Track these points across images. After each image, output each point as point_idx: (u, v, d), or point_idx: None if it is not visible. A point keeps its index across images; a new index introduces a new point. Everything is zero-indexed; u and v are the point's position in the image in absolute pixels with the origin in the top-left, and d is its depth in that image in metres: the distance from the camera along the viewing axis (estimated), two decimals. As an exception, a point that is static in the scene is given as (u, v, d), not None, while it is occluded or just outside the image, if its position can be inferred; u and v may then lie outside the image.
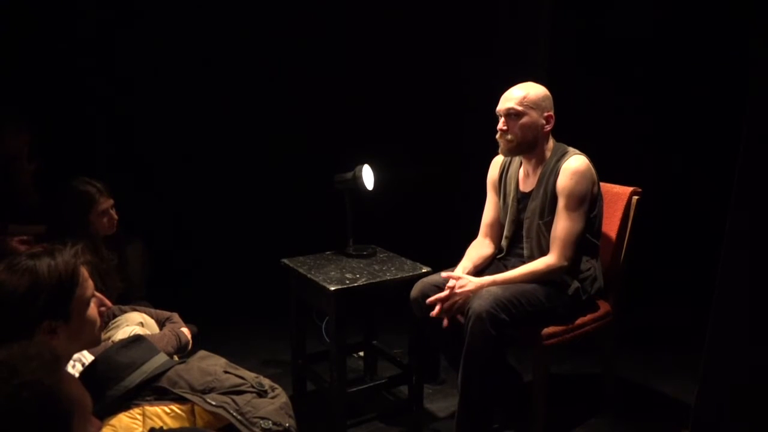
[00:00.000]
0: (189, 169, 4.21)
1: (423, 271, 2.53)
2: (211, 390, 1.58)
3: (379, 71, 4.13)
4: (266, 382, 1.67)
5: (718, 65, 3.60)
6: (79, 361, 1.63)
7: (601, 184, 2.41)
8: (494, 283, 2.27)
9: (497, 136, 2.37)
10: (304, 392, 2.79)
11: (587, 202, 2.29)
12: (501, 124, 2.35)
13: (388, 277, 2.47)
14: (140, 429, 1.46)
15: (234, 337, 3.36)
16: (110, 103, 3.97)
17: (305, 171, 4.24)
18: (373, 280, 2.43)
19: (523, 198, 2.44)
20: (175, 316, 2.28)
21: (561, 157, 2.34)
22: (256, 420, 1.52)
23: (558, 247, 2.28)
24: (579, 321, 2.38)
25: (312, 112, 4.30)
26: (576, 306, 2.36)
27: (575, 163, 2.28)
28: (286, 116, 4.33)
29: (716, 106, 3.59)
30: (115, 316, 2.18)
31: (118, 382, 1.52)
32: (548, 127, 2.36)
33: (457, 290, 2.25)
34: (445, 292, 2.26)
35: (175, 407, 1.52)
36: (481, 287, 2.24)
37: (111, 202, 2.60)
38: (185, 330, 2.20)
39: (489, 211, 2.58)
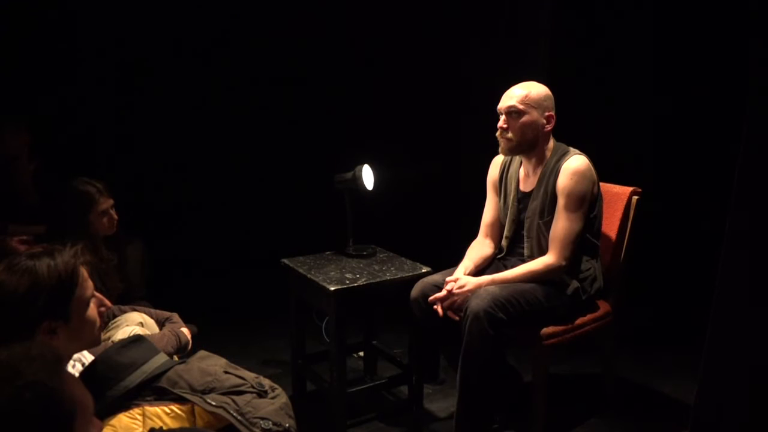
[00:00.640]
0: (189, 169, 4.21)
1: (423, 271, 2.53)
2: (211, 390, 1.57)
3: (379, 71, 4.13)
4: (266, 383, 1.67)
5: (718, 65, 3.60)
6: (79, 361, 1.62)
7: (601, 184, 2.41)
8: (493, 283, 2.27)
9: (497, 134, 2.37)
10: (304, 392, 2.79)
11: (587, 202, 2.28)
12: (501, 122, 2.35)
13: (388, 277, 2.47)
14: (140, 429, 1.45)
15: (234, 337, 3.35)
16: (110, 104, 3.97)
17: (305, 171, 4.24)
18: (373, 280, 2.43)
19: (523, 198, 2.44)
20: (175, 316, 2.28)
21: (561, 156, 2.34)
22: (256, 420, 1.52)
23: (557, 247, 2.28)
24: (579, 321, 2.37)
25: (312, 112, 4.30)
26: (575, 306, 2.36)
27: (575, 163, 2.28)
28: (286, 116, 4.33)
29: (716, 106, 3.59)
30: (115, 316, 2.18)
31: (117, 382, 1.52)
32: (549, 127, 2.35)
33: (456, 290, 2.25)
34: (443, 293, 2.26)
35: (175, 407, 1.52)
36: (479, 287, 2.24)
37: (111, 202, 2.60)
38: (185, 330, 2.20)
39: (489, 211, 2.57)
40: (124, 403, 1.50)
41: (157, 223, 3.79)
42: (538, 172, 2.39)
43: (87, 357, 1.66)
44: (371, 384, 2.72)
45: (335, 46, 4.24)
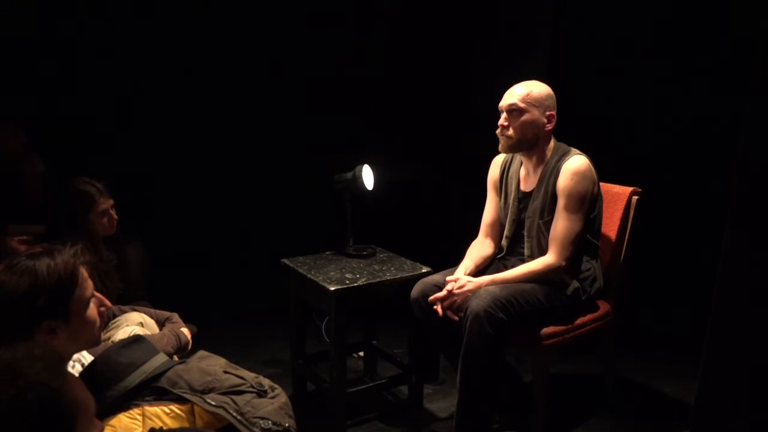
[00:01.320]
0: (189, 168, 4.21)
1: (423, 271, 2.53)
2: (210, 390, 1.57)
3: (380, 71, 4.13)
4: (266, 382, 1.67)
5: (718, 65, 3.60)
6: (78, 362, 1.62)
7: (601, 184, 2.41)
8: (493, 283, 2.27)
9: (497, 131, 2.37)
10: (304, 392, 2.79)
11: (587, 203, 2.28)
12: (502, 120, 2.35)
13: (388, 277, 2.47)
14: (140, 429, 1.45)
15: (234, 337, 3.36)
16: (110, 103, 3.97)
17: (305, 171, 4.24)
18: (373, 280, 2.43)
19: (524, 197, 2.44)
20: (175, 316, 2.28)
21: (562, 156, 2.34)
22: (255, 420, 1.52)
23: (556, 247, 2.27)
24: (579, 321, 2.37)
25: (312, 112, 4.30)
26: (575, 306, 2.36)
27: (576, 163, 2.28)
28: (286, 116, 4.33)
29: (716, 105, 3.59)
30: (114, 316, 2.18)
31: (117, 383, 1.52)
32: (549, 127, 2.35)
33: (456, 290, 2.25)
34: (443, 293, 2.26)
35: (174, 407, 1.52)
36: (479, 287, 2.24)
37: (111, 202, 2.59)
38: (185, 330, 2.20)
39: (489, 211, 2.57)
40: (123, 404, 1.50)
41: (157, 223, 3.79)
42: (539, 171, 2.39)
43: (87, 357, 1.66)
44: (371, 384, 2.72)
45: (335, 46, 4.24)
